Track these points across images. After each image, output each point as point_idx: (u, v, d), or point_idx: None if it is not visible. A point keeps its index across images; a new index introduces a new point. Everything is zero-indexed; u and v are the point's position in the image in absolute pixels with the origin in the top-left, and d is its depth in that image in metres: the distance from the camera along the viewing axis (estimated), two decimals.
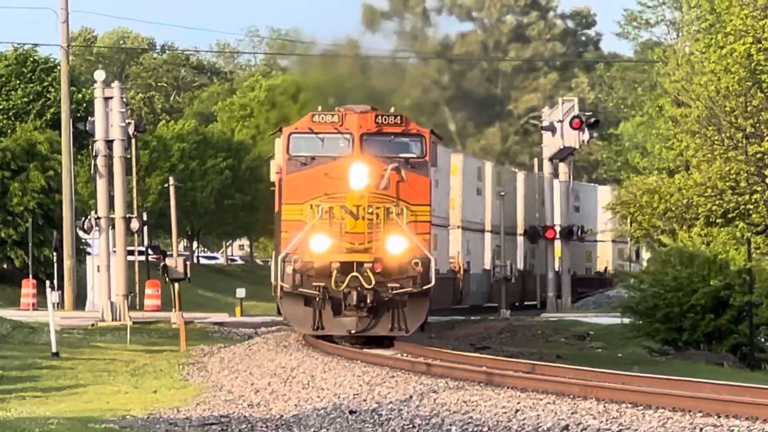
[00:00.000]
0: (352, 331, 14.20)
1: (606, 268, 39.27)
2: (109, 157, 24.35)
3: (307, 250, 13.99)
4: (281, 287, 14.56)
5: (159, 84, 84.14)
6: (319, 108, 15.26)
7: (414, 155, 14.91)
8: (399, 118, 14.92)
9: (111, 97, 24.39)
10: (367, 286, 13.74)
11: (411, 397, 8.30)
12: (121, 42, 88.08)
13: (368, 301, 13.78)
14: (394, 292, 13.88)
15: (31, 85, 44.10)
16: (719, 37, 25.81)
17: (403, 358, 12.98)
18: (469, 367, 10.72)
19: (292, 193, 14.68)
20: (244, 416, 8.64)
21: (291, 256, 14.01)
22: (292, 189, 14.67)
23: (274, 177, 17.54)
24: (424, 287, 14.00)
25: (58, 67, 39.71)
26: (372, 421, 7.31)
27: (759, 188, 26.21)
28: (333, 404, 8.64)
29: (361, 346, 14.27)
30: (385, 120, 14.70)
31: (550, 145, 34.90)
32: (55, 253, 29.64)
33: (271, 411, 8.99)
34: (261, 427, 7.98)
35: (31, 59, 44.92)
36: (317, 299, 13.98)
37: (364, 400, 8.55)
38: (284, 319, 17.37)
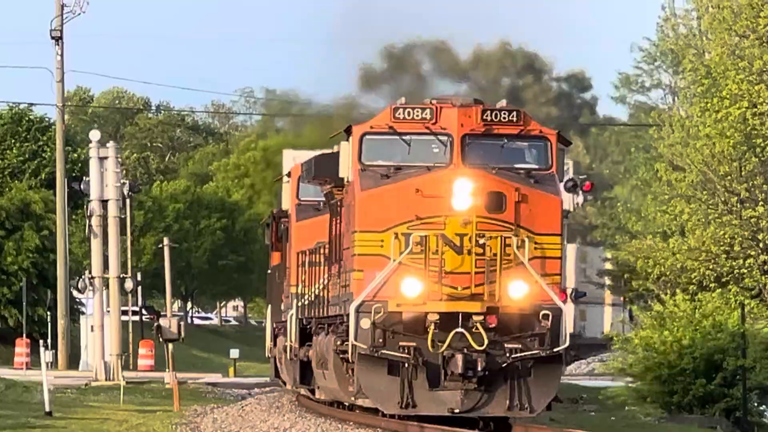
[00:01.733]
0: (456, 410, 10.65)
1: (602, 331, 39.95)
2: (104, 217, 25.18)
3: (392, 297, 10.51)
4: (353, 348, 10.70)
5: (154, 144, 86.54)
6: (402, 99, 11.70)
7: (536, 165, 11.44)
8: (515, 114, 11.39)
9: (106, 157, 25.27)
10: (477, 347, 10.28)
11: None
12: (117, 102, 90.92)
13: (479, 368, 10.29)
14: (515, 356, 10.38)
15: (27, 144, 45.61)
16: (715, 101, 26.99)
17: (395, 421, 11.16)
18: None
19: (368, 218, 11.01)
20: None
21: (369, 304, 10.44)
22: (369, 211, 11.02)
23: (287, 204, 15.72)
24: (555, 349, 10.47)
25: (54, 127, 41.04)
26: None
27: (753, 252, 27.20)
28: None
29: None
30: (497, 116, 11.24)
31: None
32: (49, 313, 30.34)
33: None
34: None
35: (27, 118, 46.56)
36: (407, 365, 10.51)
37: None
38: (357, 394, 12.23)
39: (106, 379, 23.06)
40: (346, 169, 11.46)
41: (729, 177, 27.46)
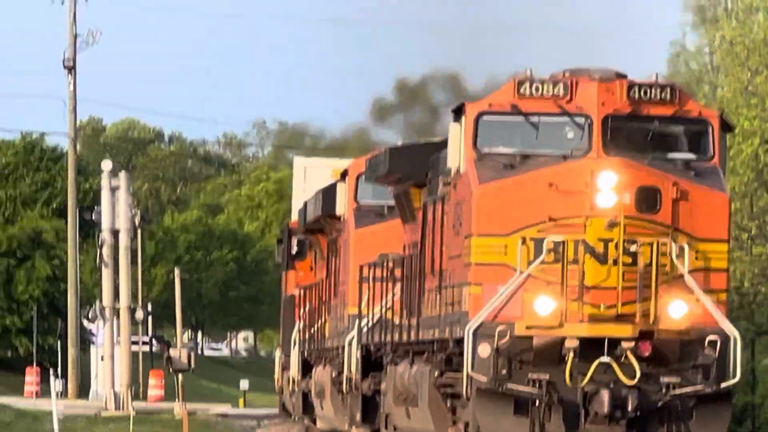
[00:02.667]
0: None
1: None
2: (115, 247, 25.58)
3: (519, 317, 8.66)
4: (469, 381, 8.57)
5: (165, 175, 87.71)
6: (529, 71, 9.19)
7: (696, 155, 9.39)
8: (669, 90, 9.31)
9: (118, 188, 25.63)
10: (627, 381, 8.37)
11: None
12: (129, 132, 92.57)
13: (629, 407, 8.37)
14: (674, 392, 8.41)
15: (39, 173, 46.47)
16: (727, 138, 27.91)
17: None
18: None
19: (488, 218, 9.01)
20: None
21: (490, 326, 8.51)
22: (490, 210, 9.04)
23: (341, 208, 14.14)
24: (723, 384, 8.50)
25: (66, 156, 41.56)
26: None
27: (763, 289, 27.57)
28: None
29: None
30: (646, 93, 9.21)
31: None
32: (59, 342, 30.73)
33: None
34: None
35: (39, 148, 47.30)
36: (538, 403, 8.57)
37: None
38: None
39: (115, 409, 23.32)
40: (456, 157, 9.40)
41: (740, 214, 27.85)
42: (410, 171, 10.88)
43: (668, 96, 9.29)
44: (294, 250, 20.41)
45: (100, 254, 26.12)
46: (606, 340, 8.33)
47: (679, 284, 8.54)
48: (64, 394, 26.16)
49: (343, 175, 16.10)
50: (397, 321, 11.82)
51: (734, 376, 8.56)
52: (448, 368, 9.36)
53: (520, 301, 8.62)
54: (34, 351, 31.18)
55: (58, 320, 32.82)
